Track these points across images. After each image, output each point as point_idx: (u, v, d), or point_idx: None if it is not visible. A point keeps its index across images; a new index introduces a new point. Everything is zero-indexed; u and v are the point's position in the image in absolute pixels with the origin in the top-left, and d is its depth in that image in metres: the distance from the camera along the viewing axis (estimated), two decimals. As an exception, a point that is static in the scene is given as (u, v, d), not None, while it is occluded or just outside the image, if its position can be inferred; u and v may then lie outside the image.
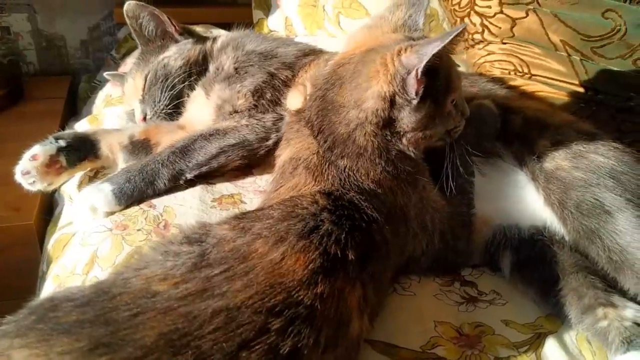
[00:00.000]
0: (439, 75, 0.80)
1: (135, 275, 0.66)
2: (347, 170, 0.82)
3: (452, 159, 0.89)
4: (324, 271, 0.68)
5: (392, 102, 0.80)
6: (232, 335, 0.58)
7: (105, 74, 1.50)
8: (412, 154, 0.85)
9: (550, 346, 0.81)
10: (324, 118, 0.86)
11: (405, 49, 0.79)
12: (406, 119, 0.81)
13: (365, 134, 0.82)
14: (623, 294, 0.86)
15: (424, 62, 0.75)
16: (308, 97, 0.92)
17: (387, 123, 0.81)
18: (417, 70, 0.76)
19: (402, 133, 0.82)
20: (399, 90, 0.79)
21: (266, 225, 0.72)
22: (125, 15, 1.25)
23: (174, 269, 0.66)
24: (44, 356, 0.54)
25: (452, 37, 0.75)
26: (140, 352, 0.54)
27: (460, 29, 0.77)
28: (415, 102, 0.79)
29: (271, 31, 1.84)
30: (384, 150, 0.83)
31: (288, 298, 0.64)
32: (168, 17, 1.28)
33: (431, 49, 0.75)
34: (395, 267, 0.88)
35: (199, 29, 1.46)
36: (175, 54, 1.24)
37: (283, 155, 0.91)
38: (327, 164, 0.84)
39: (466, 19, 1.32)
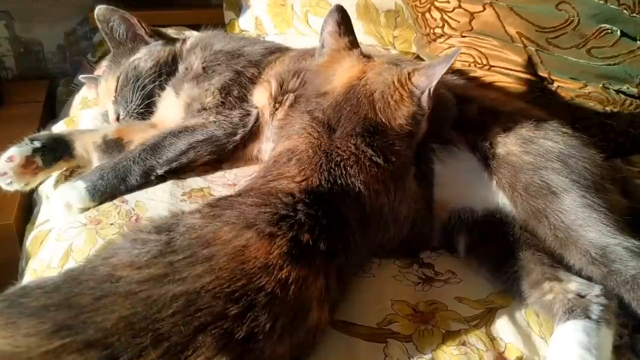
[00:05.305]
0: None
1: (103, 263, 0.68)
2: (341, 164, 0.85)
3: (425, 150, 0.97)
4: (290, 257, 0.69)
5: (413, 119, 0.91)
6: (190, 319, 0.60)
7: (81, 77, 1.53)
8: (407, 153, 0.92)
9: (501, 319, 0.85)
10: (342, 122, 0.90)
11: (413, 72, 0.90)
12: (422, 130, 0.95)
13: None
14: (568, 269, 0.90)
15: (434, 82, 0.88)
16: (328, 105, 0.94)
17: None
18: (429, 89, 0.90)
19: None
20: (417, 107, 0.91)
21: (236, 213, 0.73)
22: (96, 19, 1.27)
23: (140, 256, 0.67)
24: (11, 337, 0.56)
25: (453, 59, 0.87)
26: (101, 334, 0.57)
27: (457, 54, 0.89)
28: (426, 114, 0.93)
29: (242, 31, 1.85)
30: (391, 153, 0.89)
31: (248, 284, 0.65)
32: (138, 20, 1.30)
33: (439, 70, 0.88)
34: (360, 265, 0.91)
35: (171, 31, 1.47)
36: (146, 56, 1.27)
37: (279, 147, 0.93)
38: (324, 158, 0.86)
39: (427, 14, 1.37)
